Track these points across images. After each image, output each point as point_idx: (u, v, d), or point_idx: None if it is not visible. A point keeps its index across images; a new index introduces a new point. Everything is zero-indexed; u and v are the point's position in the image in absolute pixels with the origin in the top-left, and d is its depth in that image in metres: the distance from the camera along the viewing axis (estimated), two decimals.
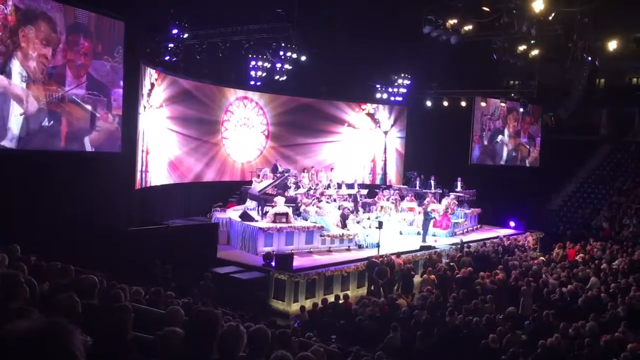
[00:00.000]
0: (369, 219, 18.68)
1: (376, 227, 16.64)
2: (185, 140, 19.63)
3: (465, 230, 21.05)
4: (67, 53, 14.14)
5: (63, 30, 13.96)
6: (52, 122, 13.77)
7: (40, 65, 13.46)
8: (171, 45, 17.51)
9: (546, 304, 12.30)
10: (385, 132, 25.72)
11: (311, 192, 19.52)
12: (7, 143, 12.62)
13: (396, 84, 24.44)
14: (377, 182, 25.47)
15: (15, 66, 12.86)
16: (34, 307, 3.25)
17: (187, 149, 19.71)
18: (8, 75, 12.70)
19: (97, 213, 13.67)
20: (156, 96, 17.93)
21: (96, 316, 3.36)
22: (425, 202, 20.33)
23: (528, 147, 27.33)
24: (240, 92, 21.89)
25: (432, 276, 14.35)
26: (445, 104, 24.61)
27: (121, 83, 15.40)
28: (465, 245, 17.66)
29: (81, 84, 14.54)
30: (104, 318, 3.28)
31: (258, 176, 19.73)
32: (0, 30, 12.57)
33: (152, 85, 17.69)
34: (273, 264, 14.25)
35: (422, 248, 17.37)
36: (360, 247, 17.13)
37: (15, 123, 12.83)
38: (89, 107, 14.74)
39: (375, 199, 21.03)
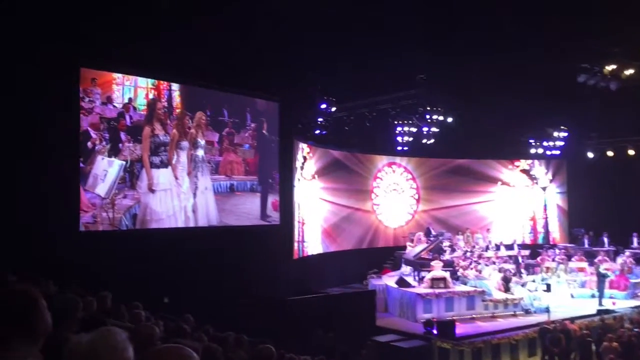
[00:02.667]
0: (534, 281, 17.48)
1: (543, 290, 15.53)
2: (338, 209, 20.09)
3: None
4: (234, 137, 15.17)
5: (229, 115, 15.00)
6: (221, 213, 14.58)
7: (208, 153, 14.42)
8: (320, 119, 18.23)
9: None
10: (544, 188, 24.24)
11: (468, 254, 18.81)
12: (172, 223, 13.54)
13: (552, 137, 23.01)
14: (539, 241, 23.86)
15: (183, 157, 13.69)
16: None
17: (339, 218, 20.16)
18: (175, 167, 13.49)
19: (259, 283, 14.14)
20: (308, 168, 18.68)
21: None
22: (596, 260, 18.57)
23: None
24: (388, 158, 22.20)
25: (615, 344, 12.85)
26: (610, 153, 22.69)
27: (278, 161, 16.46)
28: None
29: (250, 172, 15.35)
30: None
31: (412, 240, 19.50)
32: (166, 119, 13.53)
33: (305, 158, 18.51)
34: (434, 331, 13.68)
35: (599, 312, 15.70)
36: (527, 312, 15.91)
37: (181, 212, 13.70)
38: (258, 195, 15.61)
39: (538, 259, 19.72)
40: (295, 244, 17.49)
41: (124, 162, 12.65)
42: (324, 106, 17.71)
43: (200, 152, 14.28)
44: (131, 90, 13.03)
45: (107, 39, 11.44)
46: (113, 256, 11.45)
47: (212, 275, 12.97)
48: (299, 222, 17.78)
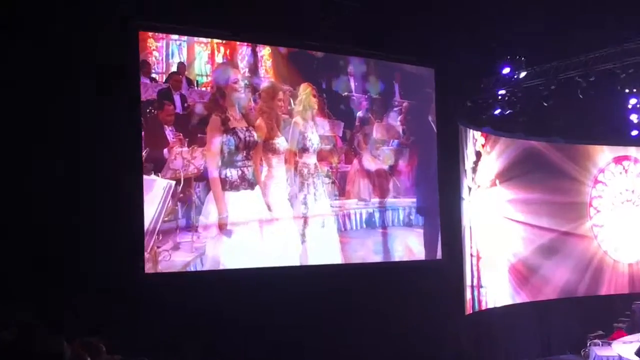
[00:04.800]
0: None
1: None
2: (534, 233, 18.00)
3: None
4: (373, 128, 13.54)
5: (360, 88, 13.40)
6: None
7: (324, 159, 12.75)
8: (502, 92, 16.05)
9: None
10: None
11: None
12: None
13: None
14: None
15: (279, 168, 12.13)
16: None
17: (537, 247, 18.05)
18: (266, 187, 12.09)
19: (414, 350, 13.63)
20: (485, 170, 16.82)
21: None
22: None
23: None
24: (615, 150, 19.93)
25: None
26: None
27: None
28: None
29: (402, 189, 13.89)
30: None
31: None
32: (249, 101, 11.86)
33: (478, 154, 16.67)
34: None
35: None
36: None
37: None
38: (419, 231, 14.19)
39: None
40: (468, 291, 15.98)
41: (171, 183, 10.68)
42: (506, 71, 15.65)
43: (310, 159, 12.40)
44: (182, 48, 10.92)
45: None
46: (189, 301, 10.93)
47: (338, 336, 12.34)
48: (471, 255, 16.22)
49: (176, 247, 10.88)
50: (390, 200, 13.73)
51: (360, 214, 13.33)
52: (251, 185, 11.71)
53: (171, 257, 10.79)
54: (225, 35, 11.72)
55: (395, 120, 13.93)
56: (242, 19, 11.65)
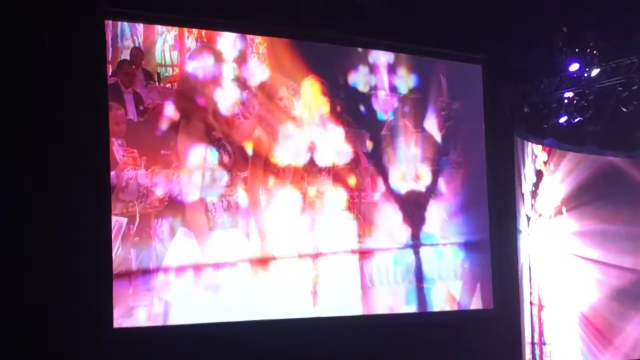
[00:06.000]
0: None
1: None
2: (612, 275, 15.60)
3: None
4: (411, 138, 11.38)
5: (394, 87, 11.24)
6: None
7: (341, 181, 10.52)
8: (569, 94, 13.93)
9: None
10: None
11: None
12: None
13: None
14: None
15: (282, 194, 10.05)
16: None
17: (615, 293, 15.55)
18: (258, 224, 9.85)
19: None
20: (548, 195, 14.79)
21: None
22: None
23: None
24: None
25: None
26: None
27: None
28: None
29: (445, 224, 11.89)
30: None
31: None
32: (234, 105, 9.81)
33: (539, 174, 14.70)
34: None
35: None
36: None
37: None
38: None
39: None
40: (527, 349, 14.20)
41: (122, 221, 8.64)
42: (575, 67, 13.68)
43: (323, 185, 10.37)
44: (137, 28, 8.78)
45: None
46: None
47: None
48: (531, 303, 14.45)
49: (128, 314, 8.71)
50: (433, 240, 11.71)
51: (393, 262, 11.25)
52: (237, 222, 9.65)
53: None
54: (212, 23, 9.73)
55: (438, 129, 11.82)
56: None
